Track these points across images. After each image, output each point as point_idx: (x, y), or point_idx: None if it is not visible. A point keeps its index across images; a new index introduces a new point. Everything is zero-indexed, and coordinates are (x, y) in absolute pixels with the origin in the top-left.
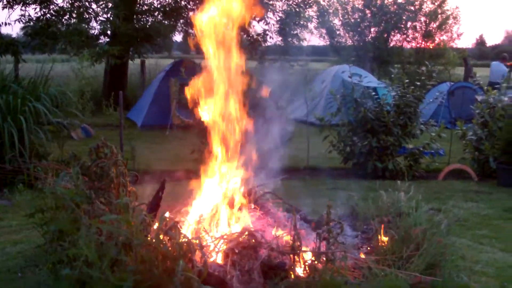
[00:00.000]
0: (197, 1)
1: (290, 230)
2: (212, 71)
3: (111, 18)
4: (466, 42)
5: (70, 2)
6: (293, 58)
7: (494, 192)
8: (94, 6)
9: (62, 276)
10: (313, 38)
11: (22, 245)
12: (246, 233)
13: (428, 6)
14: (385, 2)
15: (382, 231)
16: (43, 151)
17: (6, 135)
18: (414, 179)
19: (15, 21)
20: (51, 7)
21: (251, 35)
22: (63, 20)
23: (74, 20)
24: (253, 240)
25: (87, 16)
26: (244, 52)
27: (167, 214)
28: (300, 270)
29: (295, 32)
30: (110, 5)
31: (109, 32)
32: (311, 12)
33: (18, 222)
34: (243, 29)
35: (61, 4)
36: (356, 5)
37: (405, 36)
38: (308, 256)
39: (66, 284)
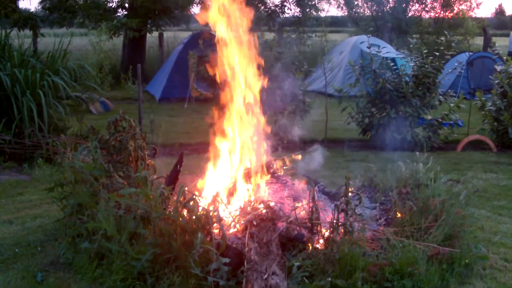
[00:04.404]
0: None
1: (308, 202)
2: (229, 44)
3: None
4: (485, 11)
5: None
6: (311, 29)
7: None
8: None
9: (81, 250)
10: (331, 8)
11: (42, 219)
12: (263, 205)
13: None
14: None
15: (400, 202)
16: (62, 125)
17: (25, 110)
18: (433, 150)
19: None
20: None
21: (268, 7)
22: None
23: None
24: (271, 213)
25: None
26: (262, 24)
27: (185, 188)
28: (318, 242)
29: (313, 2)
30: None
31: (126, 4)
32: None
33: (38, 196)
34: (261, 1)
35: None
36: None
37: (423, 5)
38: (326, 228)
39: (85, 258)
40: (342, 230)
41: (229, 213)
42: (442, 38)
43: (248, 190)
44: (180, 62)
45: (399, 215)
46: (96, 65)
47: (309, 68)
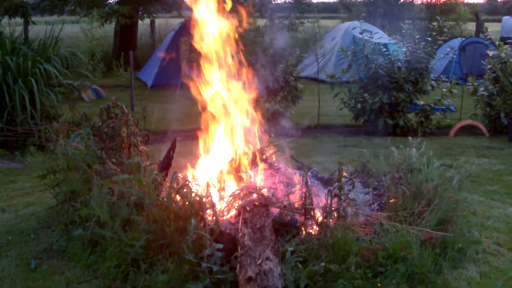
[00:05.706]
0: None
1: (301, 188)
2: (219, 30)
3: None
4: None
5: None
6: (303, 16)
7: (505, 147)
8: None
9: (75, 237)
10: None
11: (35, 207)
12: (256, 191)
13: None
14: None
15: (393, 187)
16: (54, 113)
17: (17, 98)
18: (425, 136)
19: None
20: None
21: None
22: None
23: None
24: (264, 198)
25: None
26: (253, 10)
27: (178, 174)
28: (311, 227)
29: None
30: None
31: None
32: None
33: (31, 184)
34: None
35: None
36: None
37: None
38: (320, 213)
39: (78, 245)
40: (335, 215)
41: (222, 199)
42: (434, 24)
43: (241, 176)
44: (172, 49)
45: (392, 200)
46: (88, 53)
47: (301, 54)
